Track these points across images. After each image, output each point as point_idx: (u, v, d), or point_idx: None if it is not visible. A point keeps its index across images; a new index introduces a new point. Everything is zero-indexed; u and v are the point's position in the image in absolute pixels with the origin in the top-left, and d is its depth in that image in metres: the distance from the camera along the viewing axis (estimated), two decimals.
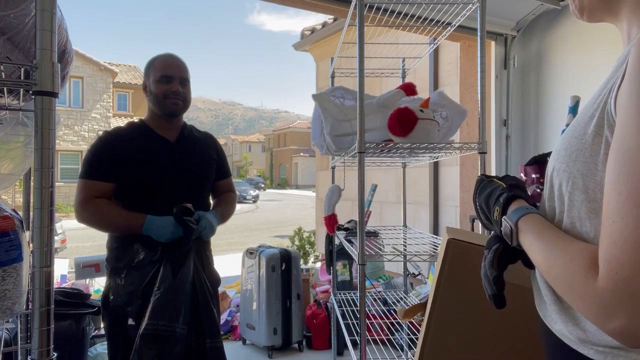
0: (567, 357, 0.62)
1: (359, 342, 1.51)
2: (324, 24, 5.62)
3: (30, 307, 0.94)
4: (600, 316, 0.49)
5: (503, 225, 0.69)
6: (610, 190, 0.51)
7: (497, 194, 0.73)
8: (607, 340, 0.55)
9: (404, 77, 2.53)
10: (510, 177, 0.78)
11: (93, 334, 2.67)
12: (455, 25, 1.81)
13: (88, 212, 1.55)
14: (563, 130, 1.26)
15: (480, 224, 0.82)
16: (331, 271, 2.73)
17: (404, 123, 1.50)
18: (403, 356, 2.46)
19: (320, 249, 5.76)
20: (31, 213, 1.23)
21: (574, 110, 1.40)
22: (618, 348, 0.55)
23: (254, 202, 23.42)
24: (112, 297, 1.53)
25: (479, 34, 1.54)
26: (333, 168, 2.57)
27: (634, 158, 0.48)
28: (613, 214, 0.49)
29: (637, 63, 0.51)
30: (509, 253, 0.72)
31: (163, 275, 1.48)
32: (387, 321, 2.56)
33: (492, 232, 0.78)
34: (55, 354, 0.88)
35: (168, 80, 1.63)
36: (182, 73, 1.67)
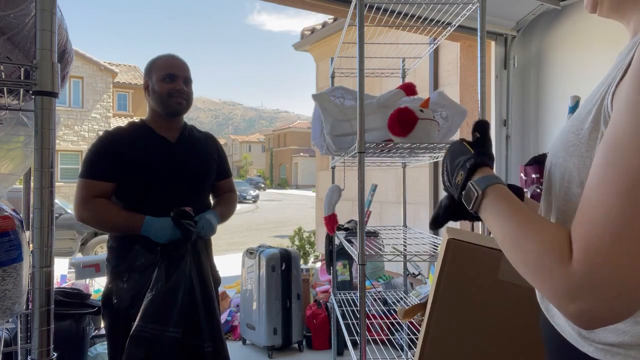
0: (567, 354, 0.62)
1: (359, 342, 1.51)
2: (324, 24, 5.62)
3: (30, 307, 0.94)
4: (563, 297, 0.50)
5: (467, 189, 0.68)
6: (594, 175, 0.51)
7: (464, 158, 0.72)
8: (608, 338, 0.56)
9: (404, 77, 2.53)
10: (481, 144, 0.77)
11: (93, 334, 2.67)
12: (455, 25, 1.81)
13: (87, 212, 1.54)
14: None
15: (470, 218, 0.80)
16: (331, 271, 2.72)
17: (404, 123, 1.50)
18: (403, 356, 2.46)
19: (320, 249, 5.76)
20: (31, 213, 1.23)
21: (574, 110, 1.40)
22: (618, 346, 0.55)
23: (254, 202, 23.42)
24: (115, 301, 1.53)
25: (479, 34, 1.54)
26: (333, 168, 2.57)
27: (621, 148, 0.48)
28: (594, 200, 0.50)
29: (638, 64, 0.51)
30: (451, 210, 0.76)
31: (157, 278, 1.48)
32: (387, 321, 2.56)
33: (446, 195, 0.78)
34: (55, 354, 0.88)
35: (172, 79, 1.63)
36: (185, 72, 1.67)
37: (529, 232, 0.56)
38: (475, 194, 0.66)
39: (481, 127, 0.79)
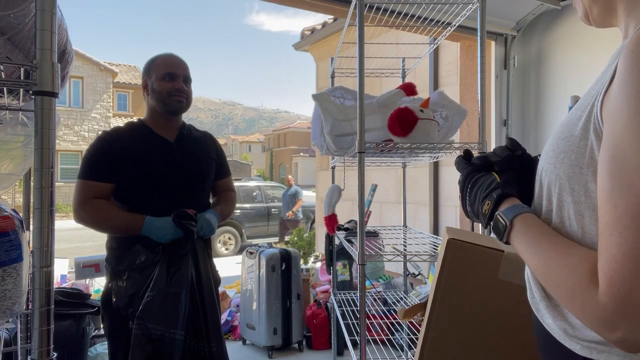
0: (557, 352, 0.63)
1: (359, 342, 1.52)
2: (324, 24, 5.62)
3: (30, 307, 0.94)
4: (602, 328, 0.50)
5: (495, 220, 0.68)
6: (605, 201, 0.51)
7: (491, 188, 0.72)
8: (593, 336, 0.57)
9: (404, 77, 2.53)
10: (503, 163, 0.76)
11: (93, 334, 2.67)
12: (455, 25, 1.81)
13: (87, 213, 1.53)
14: None
15: (475, 222, 0.81)
16: (331, 271, 2.73)
17: (404, 123, 1.50)
18: (403, 356, 2.46)
19: (320, 249, 5.76)
20: (31, 213, 1.23)
21: None
22: (603, 343, 0.56)
23: None
24: (114, 300, 1.52)
25: (479, 34, 1.54)
26: (333, 168, 2.57)
27: (628, 170, 0.48)
28: (610, 226, 0.49)
29: (626, 72, 0.50)
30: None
31: (157, 277, 1.47)
32: (387, 321, 2.56)
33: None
34: (55, 354, 0.88)
35: (172, 78, 1.63)
36: (185, 71, 1.67)
37: (557, 263, 0.57)
38: (504, 224, 0.66)
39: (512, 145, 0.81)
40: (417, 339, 1.44)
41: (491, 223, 0.70)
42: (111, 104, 18.58)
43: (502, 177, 0.74)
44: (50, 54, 0.86)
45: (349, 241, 2.09)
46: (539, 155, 0.74)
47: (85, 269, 3.64)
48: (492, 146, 2.82)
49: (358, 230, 1.52)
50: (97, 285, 3.94)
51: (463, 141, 1.79)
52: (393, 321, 2.45)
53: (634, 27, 0.61)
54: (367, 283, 3.15)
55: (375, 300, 2.81)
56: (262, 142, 57.07)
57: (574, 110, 0.64)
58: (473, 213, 0.77)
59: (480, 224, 0.80)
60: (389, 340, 2.66)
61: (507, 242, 0.67)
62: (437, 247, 1.77)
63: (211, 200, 1.86)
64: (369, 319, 2.46)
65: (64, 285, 3.80)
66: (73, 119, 17.27)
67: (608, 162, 0.51)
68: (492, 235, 0.71)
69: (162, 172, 1.61)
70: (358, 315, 1.54)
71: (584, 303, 0.51)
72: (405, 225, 2.54)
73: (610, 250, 0.49)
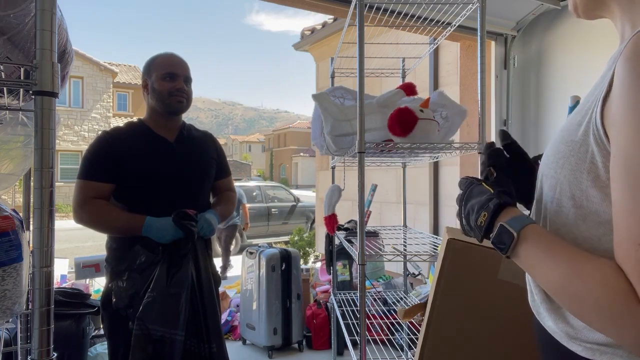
0: (558, 353, 0.63)
1: (359, 342, 1.51)
2: (324, 24, 5.62)
3: (30, 307, 0.94)
4: None
5: (499, 231, 0.61)
6: (626, 212, 0.49)
7: (485, 198, 0.66)
8: (595, 337, 0.56)
9: (404, 77, 2.53)
10: (499, 181, 0.71)
11: (93, 334, 2.67)
12: (455, 25, 1.81)
13: (87, 213, 1.53)
14: None
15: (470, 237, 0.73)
16: (331, 271, 2.73)
17: (404, 123, 1.50)
18: (403, 356, 2.46)
19: (320, 249, 5.76)
20: (31, 213, 1.23)
21: (573, 110, 1.40)
22: (605, 345, 0.55)
23: None
24: (114, 300, 1.52)
25: (479, 34, 1.54)
26: (333, 168, 2.57)
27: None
28: (637, 237, 0.47)
29: (625, 80, 0.50)
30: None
31: (158, 277, 1.47)
32: (387, 321, 2.56)
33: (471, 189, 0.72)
34: (55, 354, 0.88)
35: (172, 77, 1.63)
36: (185, 71, 1.67)
37: (584, 279, 0.52)
38: (512, 236, 0.59)
39: (496, 160, 0.74)
40: (417, 339, 1.44)
41: (490, 235, 0.63)
42: (111, 104, 18.58)
43: (494, 187, 0.68)
44: (50, 54, 0.86)
45: (349, 241, 2.09)
46: (539, 156, 0.74)
47: (85, 269, 3.65)
48: None
49: (358, 230, 1.52)
50: (97, 285, 3.94)
51: (463, 141, 1.79)
52: (393, 321, 2.45)
53: (630, 29, 0.61)
54: (367, 283, 3.15)
55: (375, 300, 2.81)
56: (262, 142, 57.07)
57: (574, 114, 0.63)
58: (469, 227, 0.71)
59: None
60: (389, 340, 2.66)
61: (508, 257, 0.61)
62: (437, 247, 1.77)
63: (211, 200, 1.86)
64: (369, 319, 2.46)
65: (64, 285, 3.80)
66: (73, 119, 17.27)
67: (623, 175, 0.50)
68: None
69: (162, 172, 1.61)
70: (358, 315, 1.54)
71: (626, 318, 0.47)
72: (405, 225, 2.54)
73: None
